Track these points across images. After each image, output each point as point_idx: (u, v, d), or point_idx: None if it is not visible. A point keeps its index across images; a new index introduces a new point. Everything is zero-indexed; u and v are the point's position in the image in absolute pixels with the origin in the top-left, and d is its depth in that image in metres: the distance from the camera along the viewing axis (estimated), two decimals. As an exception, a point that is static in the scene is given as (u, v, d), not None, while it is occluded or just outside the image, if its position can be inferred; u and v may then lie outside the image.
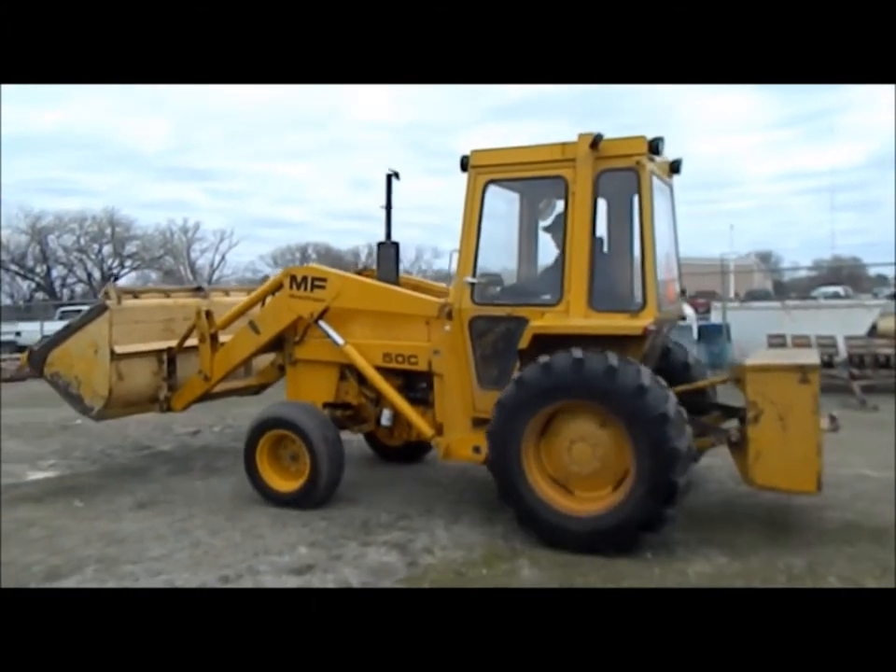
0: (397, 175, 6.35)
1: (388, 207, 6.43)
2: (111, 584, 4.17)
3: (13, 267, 51.63)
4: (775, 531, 4.84)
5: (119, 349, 6.26)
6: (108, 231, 53.42)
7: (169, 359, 6.69)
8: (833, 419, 4.92)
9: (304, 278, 5.93)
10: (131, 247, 54.40)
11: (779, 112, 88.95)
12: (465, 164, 5.22)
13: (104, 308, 6.33)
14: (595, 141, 4.74)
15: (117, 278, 52.25)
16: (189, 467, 7.11)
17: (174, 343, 6.65)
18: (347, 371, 6.00)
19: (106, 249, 54.03)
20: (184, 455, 7.73)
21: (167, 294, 7.26)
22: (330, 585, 4.14)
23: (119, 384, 6.30)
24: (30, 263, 52.43)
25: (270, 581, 4.18)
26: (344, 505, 5.62)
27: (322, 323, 5.90)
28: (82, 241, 53.48)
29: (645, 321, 4.55)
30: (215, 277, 50.17)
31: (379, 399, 5.92)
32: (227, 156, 74.84)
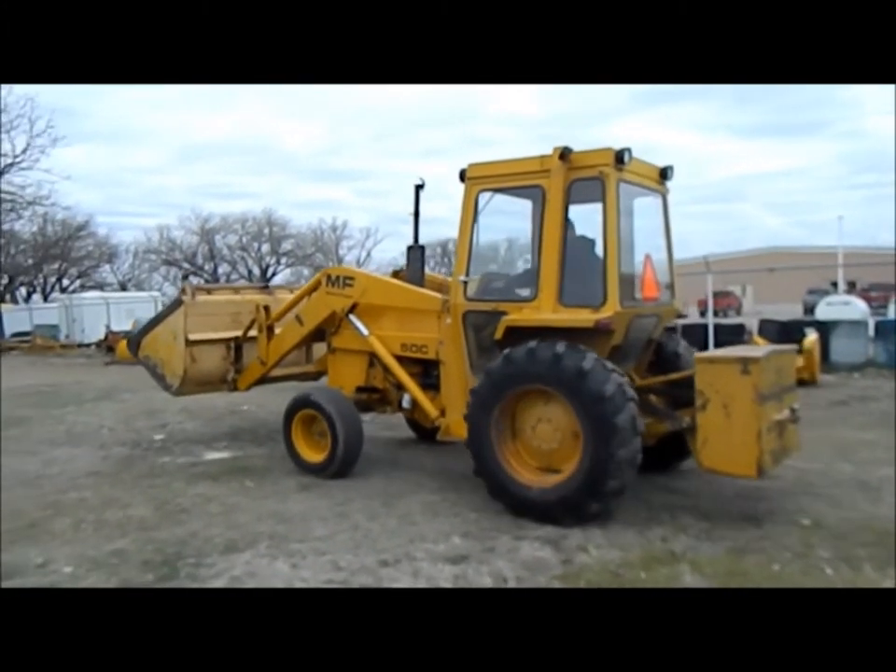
0: (423, 185, 6.94)
1: (416, 214, 7.11)
2: (282, 560, 4.46)
3: (185, 265, 57.04)
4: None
5: (192, 336, 7.34)
6: (266, 230, 57.53)
7: (236, 346, 7.76)
8: (793, 411, 5.15)
9: (338, 277, 6.89)
10: (286, 245, 58.24)
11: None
12: (462, 176, 5.86)
13: (180, 302, 7.44)
14: (564, 153, 5.27)
15: (274, 274, 56.26)
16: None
17: (240, 333, 7.66)
18: (375, 359, 6.74)
19: (265, 247, 58.27)
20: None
21: (237, 291, 8.45)
22: (485, 577, 4.16)
23: (192, 366, 7.42)
24: (199, 261, 57.67)
25: (426, 568, 4.28)
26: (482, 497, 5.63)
27: (351, 316, 6.75)
28: (244, 240, 57.99)
29: (600, 315, 4.99)
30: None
31: (400, 385, 6.52)
32: (372, 155, 78.16)
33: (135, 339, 8.05)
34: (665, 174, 5.95)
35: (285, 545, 4.72)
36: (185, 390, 7.69)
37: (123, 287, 52.61)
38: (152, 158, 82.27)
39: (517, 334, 5.24)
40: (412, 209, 7.12)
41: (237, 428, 9.10)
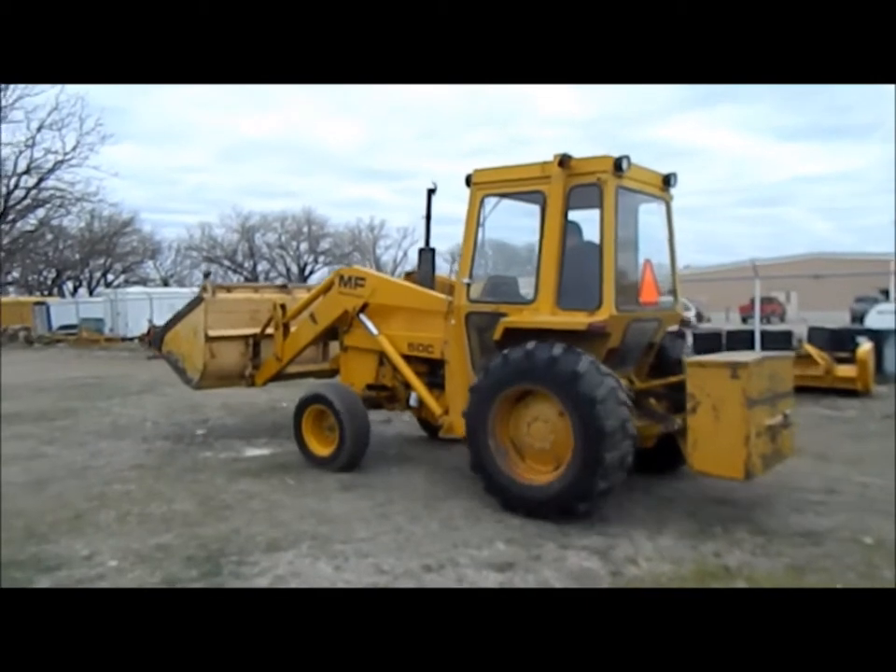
0: (434, 189, 7.04)
1: (428, 218, 7.24)
2: (324, 561, 4.42)
3: (226, 262, 58.00)
4: None
5: (211, 333, 7.58)
6: (305, 229, 58.17)
7: (254, 343, 7.98)
8: (785, 416, 5.21)
9: (350, 277, 7.07)
10: (324, 244, 58.79)
11: None
12: (468, 181, 5.96)
13: (201, 300, 7.68)
14: (563, 160, 5.35)
15: (311, 273, 56.81)
16: (383, 454, 7.41)
17: (258, 330, 7.89)
18: (384, 357, 6.88)
19: (303, 246, 58.93)
20: (378, 441, 8.03)
21: (256, 290, 8.75)
22: (531, 586, 4.05)
23: (211, 361, 7.65)
24: (239, 259, 58.58)
25: (471, 575, 4.18)
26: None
27: (362, 316, 6.93)
28: (283, 238, 58.73)
29: (594, 319, 5.11)
30: (397, 272, 52.78)
31: (408, 383, 6.63)
32: (414, 155, 78.49)
33: (159, 334, 8.35)
34: (668, 181, 5.98)
35: (328, 546, 4.67)
36: (204, 384, 7.95)
37: (165, 283, 53.72)
38: (197, 156, 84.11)
39: (515, 335, 5.37)
40: (424, 213, 7.25)
41: (277, 425, 9.13)
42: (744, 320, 38.85)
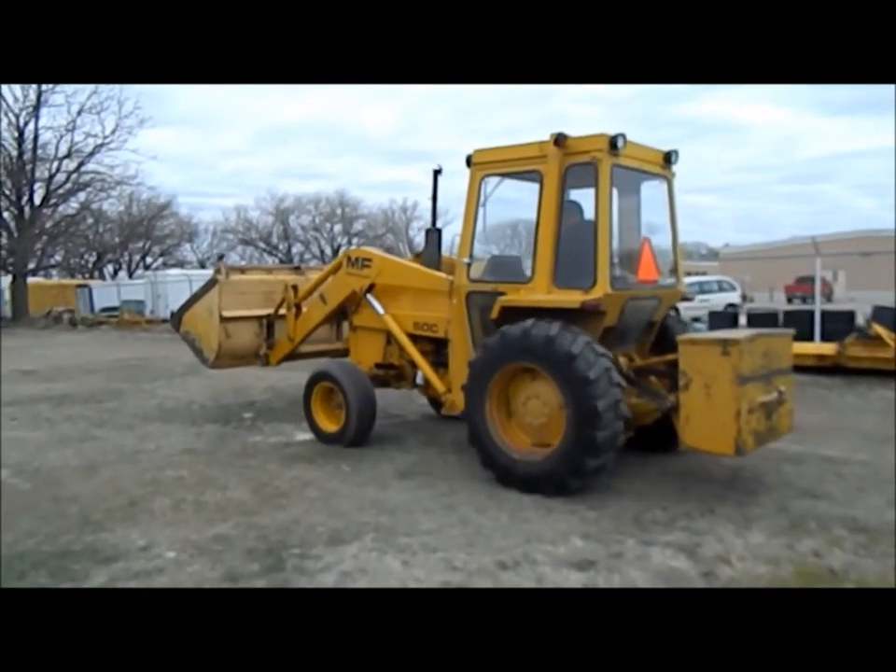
0: (440, 171, 7.03)
1: (434, 199, 7.26)
2: (391, 555, 4.17)
3: (261, 244, 58.31)
4: None
5: (226, 314, 7.71)
6: (339, 211, 58.11)
7: (268, 323, 8.09)
8: (780, 393, 5.13)
9: (357, 258, 7.16)
10: (357, 226, 58.69)
11: None
12: (469, 161, 5.99)
13: (215, 281, 7.78)
14: (558, 139, 5.35)
15: (345, 254, 56.74)
16: (439, 439, 7.14)
17: (271, 311, 8.00)
18: (392, 336, 6.91)
19: (337, 228, 58.91)
20: (433, 426, 7.83)
21: (269, 271, 8.92)
22: (616, 586, 3.74)
23: (226, 341, 7.79)
24: (274, 241, 58.85)
25: (550, 574, 3.89)
26: (610, 494, 5.21)
27: (369, 296, 7.02)
28: (317, 220, 58.80)
29: (588, 297, 5.12)
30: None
31: (414, 362, 6.69)
32: (450, 136, 77.70)
33: (177, 315, 8.40)
34: (668, 158, 5.92)
35: (392, 539, 4.42)
36: (220, 363, 8.09)
37: (202, 265, 54.20)
38: (234, 140, 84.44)
39: (512, 314, 5.42)
40: (430, 194, 7.24)
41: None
42: (789, 300, 37.64)
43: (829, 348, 10.95)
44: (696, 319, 18.52)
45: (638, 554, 4.14)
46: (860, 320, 12.59)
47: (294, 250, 59.41)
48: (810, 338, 12.56)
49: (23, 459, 6.58)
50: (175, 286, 27.57)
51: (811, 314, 13.20)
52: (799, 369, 11.00)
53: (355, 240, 58.50)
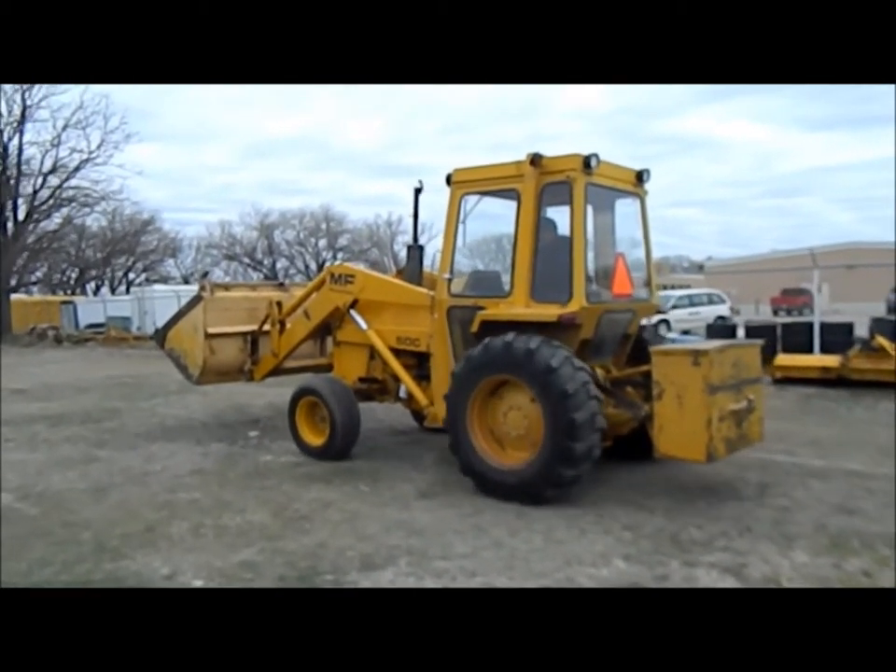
0: (421, 188, 7.11)
1: (416, 216, 7.39)
2: (428, 580, 4.02)
3: (245, 259, 57.90)
4: None
5: (210, 330, 7.76)
6: (324, 226, 57.92)
7: (252, 339, 8.16)
8: (749, 401, 5.31)
9: (340, 275, 7.28)
10: (342, 241, 58.50)
11: None
12: (449, 180, 6.16)
13: (200, 298, 7.84)
14: (534, 159, 5.56)
15: (331, 269, 56.47)
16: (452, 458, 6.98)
17: (255, 327, 8.07)
18: (375, 351, 6.98)
19: (322, 243, 58.68)
20: (443, 444, 7.66)
21: (253, 288, 9.03)
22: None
23: (211, 357, 7.84)
24: (258, 256, 58.45)
25: (597, 598, 3.76)
26: (642, 513, 5.09)
27: (352, 312, 7.10)
28: (301, 235, 58.53)
29: (565, 311, 5.33)
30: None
31: (397, 375, 6.79)
32: (437, 151, 78.01)
33: (161, 332, 8.50)
34: (640, 177, 6.13)
35: (427, 563, 4.27)
36: (205, 379, 8.16)
37: (186, 281, 53.64)
38: (219, 156, 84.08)
39: (492, 328, 5.58)
40: (411, 211, 7.41)
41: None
42: (775, 312, 38.00)
43: (832, 360, 10.97)
44: (686, 332, 18.59)
45: (685, 576, 4.02)
46: (858, 332, 12.68)
47: (279, 265, 59.04)
48: (809, 350, 12.59)
49: (26, 482, 6.34)
50: (162, 301, 27.14)
51: (810, 325, 13.24)
52: (803, 381, 11.09)
53: (339, 255, 58.27)
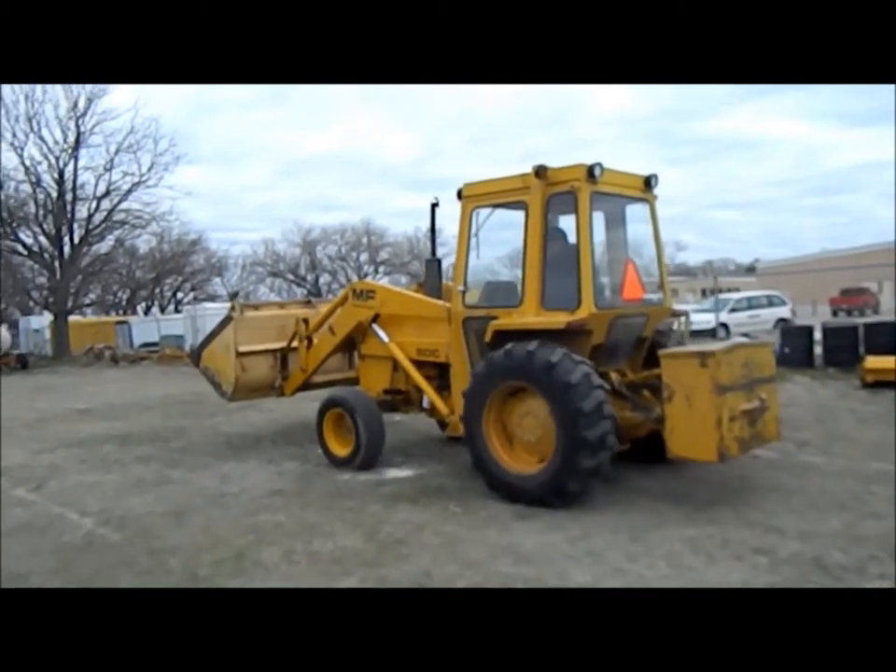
0: (437, 204, 7.14)
1: (433, 230, 7.72)
2: (554, 614, 3.63)
3: (289, 276, 58.55)
4: None
5: (241, 348, 8.04)
6: (364, 240, 58.23)
7: (282, 356, 8.39)
8: (761, 401, 5.35)
9: (362, 291, 7.56)
10: (383, 254, 58.71)
11: None
12: (460, 195, 6.32)
13: (230, 318, 8.14)
14: (539, 171, 5.69)
15: (374, 283, 56.69)
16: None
17: (284, 344, 8.28)
18: (398, 363, 7.11)
19: (363, 257, 58.98)
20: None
21: (282, 306, 9.24)
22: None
23: (243, 374, 8.10)
24: (301, 272, 59.04)
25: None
26: (769, 535, 4.62)
27: (374, 326, 7.31)
28: (343, 250, 58.93)
29: (573, 318, 5.44)
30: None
31: (419, 386, 6.91)
32: (470, 161, 78.05)
33: (196, 352, 8.82)
34: (648, 182, 6.20)
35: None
36: (238, 396, 8.42)
37: (233, 298, 54.38)
38: (258, 175, 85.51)
39: (505, 337, 5.67)
40: (429, 226, 7.61)
41: (403, 441, 8.45)
42: (834, 313, 36.56)
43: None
44: (746, 335, 17.84)
45: (845, 608, 3.55)
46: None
47: (322, 280, 59.50)
48: (894, 351, 11.83)
49: (105, 506, 6.18)
50: (213, 319, 27.29)
51: (895, 325, 12.46)
52: (890, 385, 10.34)
53: (381, 268, 58.54)
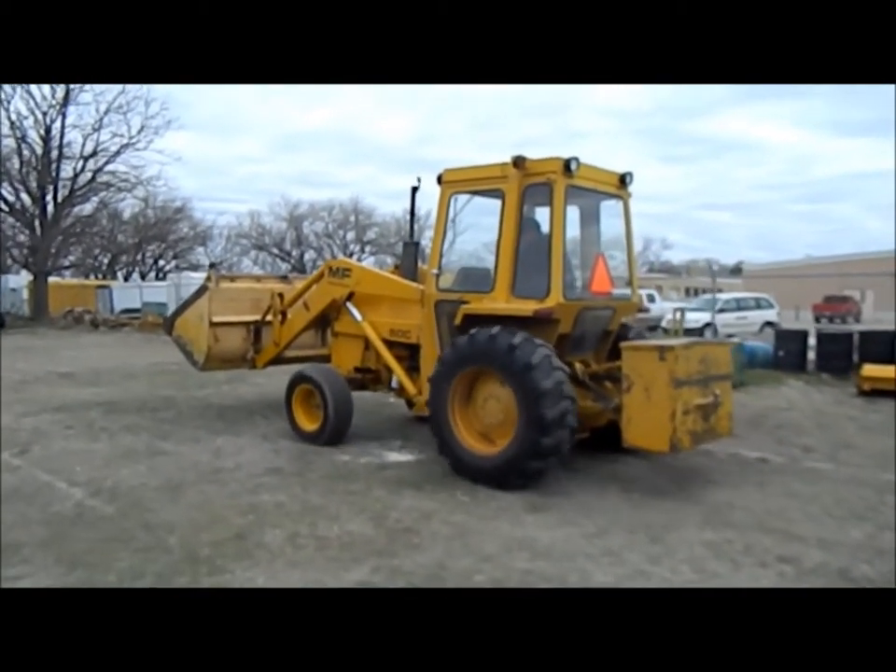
0: (417, 187, 7.26)
1: (412, 213, 7.87)
2: (580, 616, 3.47)
3: (274, 250, 57.79)
4: None
5: (215, 319, 8.07)
6: (352, 218, 57.63)
7: (255, 329, 8.45)
8: (715, 396, 5.53)
9: (338, 268, 7.62)
10: (370, 234, 58.17)
11: None
12: (440, 180, 6.41)
13: (205, 288, 8.12)
14: (517, 162, 5.81)
15: (359, 262, 56.27)
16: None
17: (259, 317, 8.35)
18: (369, 342, 7.24)
19: (350, 235, 58.41)
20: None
21: (258, 279, 9.31)
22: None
23: (215, 345, 8.14)
24: (287, 247, 58.30)
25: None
26: (792, 543, 4.51)
27: (348, 304, 7.40)
28: (330, 227, 58.29)
29: (541, 306, 5.56)
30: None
31: (389, 366, 7.05)
32: (466, 146, 77.44)
33: (170, 320, 8.79)
34: (623, 180, 6.34)
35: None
36: (209, 366, 8.42)
37: (212, 268, 53.44)
38: (250, 147, 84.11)
39: (474, 321, 5.81)
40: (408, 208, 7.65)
41: (400, 424, 8.28)
42: (817, 319, 36.90)
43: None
44: (731, 336, 17.81)
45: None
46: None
47: (307, 257, 58.85)
48: (890, 360, 11.84)
49: (95, 476, 5.91)
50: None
51: (891, 335, 12.48)
52: (887, 394, 10.35)
53: (367, 248, 57.97)
